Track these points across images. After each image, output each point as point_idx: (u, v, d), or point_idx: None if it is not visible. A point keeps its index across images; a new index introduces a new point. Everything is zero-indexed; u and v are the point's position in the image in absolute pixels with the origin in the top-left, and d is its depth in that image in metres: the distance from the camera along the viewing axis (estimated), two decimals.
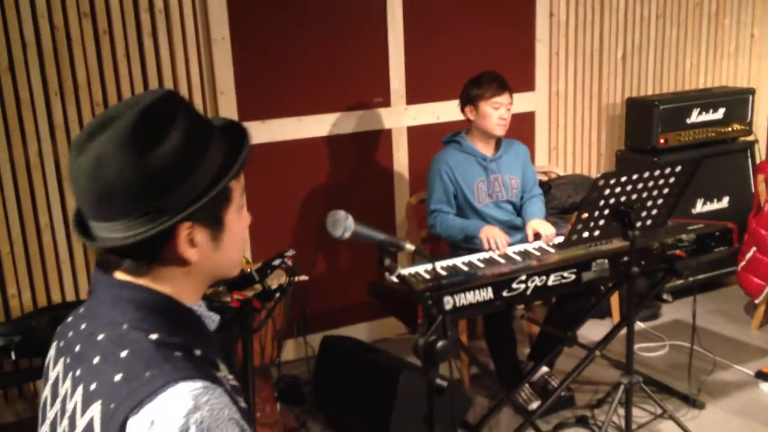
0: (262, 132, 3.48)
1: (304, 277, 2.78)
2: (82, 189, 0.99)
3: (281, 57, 3.47)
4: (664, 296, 4.19)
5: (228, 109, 3.38)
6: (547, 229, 3.03)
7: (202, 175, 1.01)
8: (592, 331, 3.73)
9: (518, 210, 3.35)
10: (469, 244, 3.14)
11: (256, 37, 3.40)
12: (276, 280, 2.73)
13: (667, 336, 3.77)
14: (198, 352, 0.99)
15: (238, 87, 3.39)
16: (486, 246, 2.98)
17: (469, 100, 3.20)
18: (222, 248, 1.07)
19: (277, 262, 2.52)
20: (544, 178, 4.09)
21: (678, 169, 2.63)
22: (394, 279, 1.58)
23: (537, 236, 3.06)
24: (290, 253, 2.57)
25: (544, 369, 3.22)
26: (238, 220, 1.10)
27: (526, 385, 3.13)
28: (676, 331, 3.82)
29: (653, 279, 3.38)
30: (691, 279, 3.85)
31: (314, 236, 3.69)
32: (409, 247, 1.54)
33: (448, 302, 2.56)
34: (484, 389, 3.38)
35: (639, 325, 3.92)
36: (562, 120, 4.24)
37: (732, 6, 4.56)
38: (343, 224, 1.49)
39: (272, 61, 3.46)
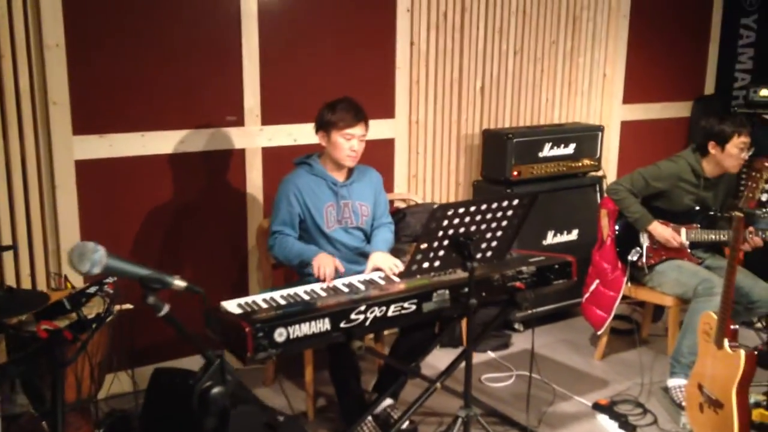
0: (100, 147, 3.26)
1: (128, 306, 2.59)
2: None
3: (123, 68, 3.27)
4: (516, 326, 4.26)
5: (61, 120, 3.13)
6: (388, 264, 2.99)
7: None
8: (444, 360, 3.70)
9: (368, 237, 3.30)
10: (306, 270, 3.05)
11: (95, 45, 3.18)
12: (97, 309, 2.52)
13: (515, 366, 3.81)
14: None
15: (74, 98, 3.15)
16: (316, 274, 2.90)
17: (322, 125, 3.12)
18: None
19: (93, 289, 2.32)
20: (402, 205, 4.07)
21: (515, 202, 2.64)
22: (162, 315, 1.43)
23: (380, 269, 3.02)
24: (110, 279, 2.38)
25: (388, 401, 3.15)
26: None
27: (369, 417, 3.04)
28: (525, 361, 3.85)
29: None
30: (530, 311, 3.92)
31: (153, 260, 3.48)
32: (179, 283, 1.41)
33: (282, 334, 2.44)
34: (329, 422, 3.27)
35: (489, 354, 3.95)
36: (422, 148, 4.24)
37: (586, 46, 4.75)
38: (90, 258, 1.33)
39: (113, 71, 3.24)
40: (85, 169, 3.23)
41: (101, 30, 3.19)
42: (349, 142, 3.08)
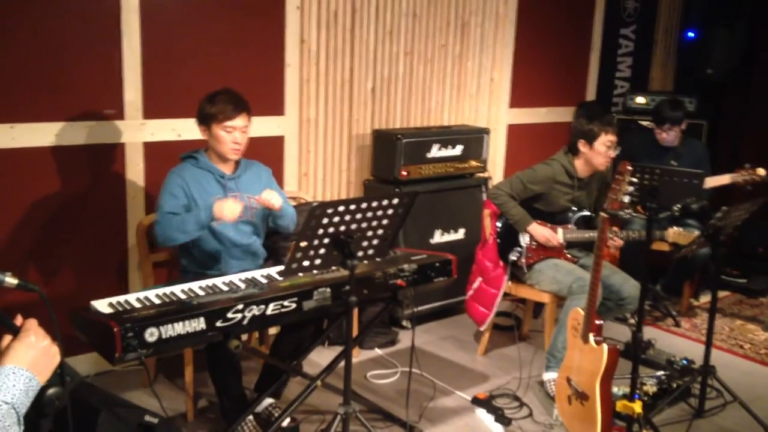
0: None
1: None
2: None
3: None
4: (403, 323, 4.32)
5: None
6: (272, 198, 3.02)
7: None
8: (331, 357, 3.70)
9: (259, 232, 3.25)
10: (205, 252, 2.99)
11: None
12: None
13: (401, 363, 3.86)
14: None
15: None
16: (219, 215, 2.89)
17: (202, 119, 3.06)
18: None
19: None
20: (293, 203, 4.04)
21: (395, 201, 2.68)
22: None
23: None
24: None
25: (269, 400, 3.13)
26: None
27: (251, 417, 3.01)
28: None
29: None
30: (414, 309, 3.99)
31: (24, 261, 3.31)
32: (10, 281, 1.35)
33: (153, 334, 2.38)
34: (209, 423, 3.21)
35: (375, 351, 4.00)
36: (313, 146, 4.24)
37: (474, 50, 4.88)
38: None
39: None
40: None
41: None
42: (231, 135, 3.03)
